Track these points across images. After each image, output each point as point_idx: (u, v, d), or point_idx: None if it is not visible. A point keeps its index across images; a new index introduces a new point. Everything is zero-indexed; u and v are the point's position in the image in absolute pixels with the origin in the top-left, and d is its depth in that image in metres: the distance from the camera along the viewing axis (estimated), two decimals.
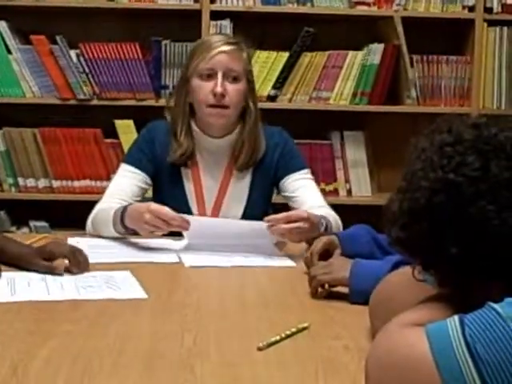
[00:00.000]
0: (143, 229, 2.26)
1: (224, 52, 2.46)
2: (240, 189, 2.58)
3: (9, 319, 1.64)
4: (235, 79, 2.48)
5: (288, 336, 1.54)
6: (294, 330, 1.56)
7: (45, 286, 1.89)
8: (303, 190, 2.56)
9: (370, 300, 1.57)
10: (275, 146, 2.59)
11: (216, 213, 2.55)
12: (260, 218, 2.50)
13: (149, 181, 2.55)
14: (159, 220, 2.20)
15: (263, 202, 2.63)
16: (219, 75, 2.45)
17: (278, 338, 1.52)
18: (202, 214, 2.54)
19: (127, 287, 1.90)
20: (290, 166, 2.59)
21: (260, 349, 1.47)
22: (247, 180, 2.59)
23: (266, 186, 2.63)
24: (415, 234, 1.21)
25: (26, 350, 1.45)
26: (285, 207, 2.53)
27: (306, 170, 2.61)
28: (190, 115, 2.54)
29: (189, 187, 2.56)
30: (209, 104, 2.46)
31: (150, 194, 2.65)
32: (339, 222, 2.50)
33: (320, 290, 1.87)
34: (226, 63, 2.47)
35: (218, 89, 2.43)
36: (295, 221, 2.23)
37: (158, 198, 2.53)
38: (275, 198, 2.72)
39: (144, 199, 2.55)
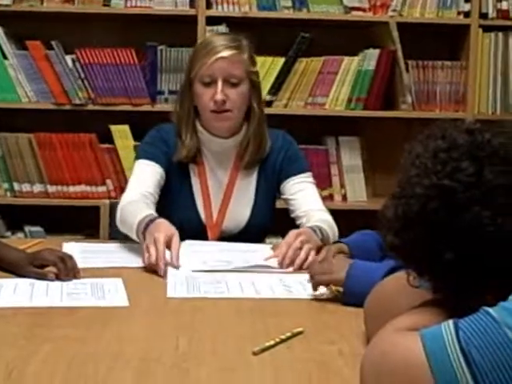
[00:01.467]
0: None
1: (223, 58, 2.45)
2: (246, 191, 2.58)
3: (3, 324, 1.64)
4: (236, 84, 2.48)
5: (283, 340, 1.54)
6: (288, 334, 1.56)
7: (30, 291, 1.87)
8: (302, 194, 2.56)
9: (366, 304, 1.57)
10: (279, 149, 2.60)
11: (223, 212, 2.54)
12: (266, 222, 2.58)
13: (164, 175, 2.52)
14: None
15: (269, 205, 2.63)
16: (219, 82, 2.44)
17: (272, 342, 1.51)
18: (208, 212, 2.53)
19: (113, 295, 1.87)
20: (292, 169, 2.60)
21: (255, 353, 1.47)
22: (253, 182, 2.60)
23: (271, 188, 2.62)
24: (410, 240, 1.21)
25: (21, 355, 1.44)
26: (283, 214, 2.54)
27: (307, 174, 2.62)
28: (194, 116, 2.55)
29: (196, 185, 2.56)
30: (211, 110, 2.47)
31: None
32: (335, 227, 2.49)
33: (326, 289, 1.87)
34: (226, 69, 2.46)
35: (218, 96, 2.44)
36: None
37: (166, 196, 2.52)
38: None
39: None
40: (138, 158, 2.57)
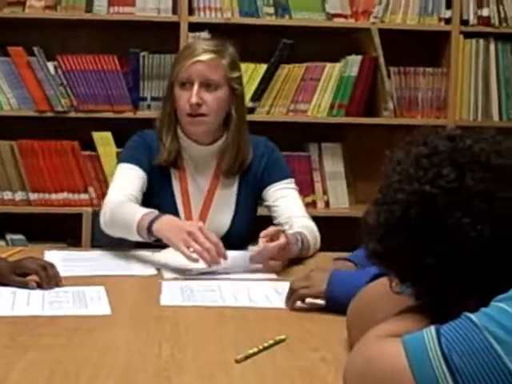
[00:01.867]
0: (179, 240, 2.14)
1: (201, 61, 2.44)
2: (227, 197, 2.57)
3: None
4: (214, 88, 2.46)
5: (265, 348, 1.54)
6: (271, 342, 1.56)
7: (12, 300, 1.86)
8: (284, 200, 2.55)
9: (348, 310, 1.57)
10: (261, 156, 2.59)
11: (203, 218, 2.51)
12: (246, 230, 2.55)
13: (146, 179, 2.50)
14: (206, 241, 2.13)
15: (250, 214, 2.62)
16: (195, 85, 2.43)
17: (255, 350, 1.51)
18: (189, 217, 2.51)
19: (95, 304, 1.87)
20: (274, 175, 2.59)
21: (237, 361, 1.46)
22: (234, 190, 2.59)
23: (252, 196, 2.61)
24: (392, 246, 1.21)
25: (3, 364, 1.43)
26: (265, 221, 2.54)
27: (289, 180, 2.60)
28: (176, 120, 2.53)
29: (177, 189, 2.55)
30: (186, 113, 2.46)
31: None
32: (317, 234, 2.50)
33: (300, 303, 1.87)
34: (203, 72, 2.44)
35: (193, 99, 2.42)
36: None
37: (148, 200, 2.49)
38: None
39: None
40: (120, 161, 2.55)
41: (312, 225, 2.51)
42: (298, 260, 2.38)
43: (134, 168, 2.49)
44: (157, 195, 2.52)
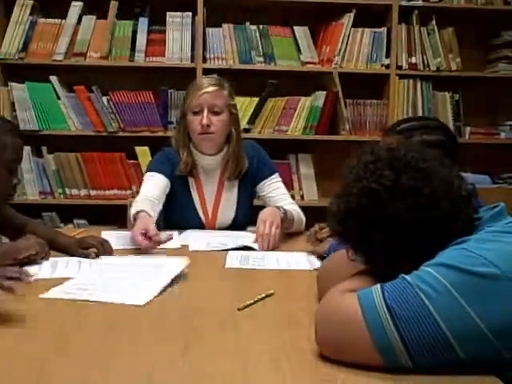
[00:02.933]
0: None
1: (208, 92, 2.39)
2: (230, 197, 2.52)
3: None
4: (218, 112, 2.40)
5: (259, 299, 1.53)
6: (263, 295, 1.56)
7: (78, 266, 1.84)
8: (275, 192, 2.51)
9: (318, 273, 1.57)
10: (251, 157, 2.53)
11: (215, 214, 2.49)
12: (246, 218, 2.51)
13: (169, 183, 2.41)
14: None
15: (248, 206, 2.57)
16: (205, 111, 2.38)
17: (252, 301, 1.51)
18: (206, 214, 2.48)
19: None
20: (264, 172, 2.52)
21: (239, 309, 1.46)
22: (235, 190, 2.53)
23: (249, 192, 2.57)
24: (348, 227, 1.21)
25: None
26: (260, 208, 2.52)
27: (276, 174, 2.55)
28: (188, 140, 2.48)
29: (194, 194, 2.50)
30: (198, 132, 2.40)
31: None
32: (302, 215, 2.47)
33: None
34: (210, 100, 2.38)
35: (204, 121, 2.37)
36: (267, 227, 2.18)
37: (174, 202, 2.45)
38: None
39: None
40: (146, 170, 2.49)
41: (297, 208, 2.47)
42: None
43: (157, 175, 2.40)
44: (180, 200, 2.48)
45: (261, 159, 2.55)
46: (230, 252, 2.07)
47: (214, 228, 2.48)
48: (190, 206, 2.48)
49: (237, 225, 2.51)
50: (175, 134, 2.53)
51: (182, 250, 2.10)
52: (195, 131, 2.41)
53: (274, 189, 2.52)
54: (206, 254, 2.08)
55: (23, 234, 1.95)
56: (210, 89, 2.40)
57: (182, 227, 2.41)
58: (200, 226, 2.48)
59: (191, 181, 2.50)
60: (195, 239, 2.24)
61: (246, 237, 2.29)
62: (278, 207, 2.33)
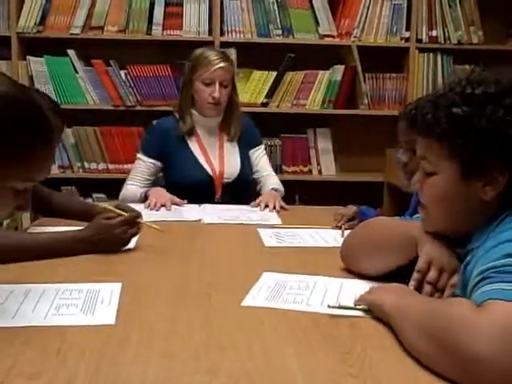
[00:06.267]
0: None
1: (221, 67, 2.57)
2: (233, 152, 2.69)
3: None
4: (226, 86, 2.61)
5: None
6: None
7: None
8: (262, 162, 2.75)
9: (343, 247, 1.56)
10: (246, 124, 2.75)
11: (222, 163, 2.64)
12: (249, 173, 2.73)
13: (158, 163, 2.64)
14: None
15: (248, 163, 2.74)
16: (217, 84, 2.57)
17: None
18: (210, 163, 2.63)
19: (102, 310, 1.24)
20: (254, 141, 2.77)
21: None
22: (236, 147, 2.71)
23: (246, 153, 2.74)
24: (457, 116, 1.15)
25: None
26: None
27: (262, 146, 2.80)
28: (191, 104, 2.65)
29: (195, 148, 2.65)
30: (208, 102, 2.59)
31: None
32: (279, 182, 2.73)
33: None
34: (222, 75, 2.58)
35: (216, 94, 2.57)
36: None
37: (171, 166, 2.63)
38: None
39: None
40: (139, 150, 2.70)
41: (277, 179, 2.75)
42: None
43: (147, 160, 2.63)
44: (177, 156, 2.62)
45: (252, 129, 2.78)
46: (259, 230, 2.05)
47: (222, 179, 2.62)
48: (193, 161, 2.63)
49: (242, 177, 2.68)
50: (180, 101, 2.69)
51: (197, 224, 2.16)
52: (205, 100, 2.60)
53: (259, 157, 2.76)
54: (232, 230, 2.10)
55: (50, 206, 1.97)
56: (223, 64, 2.58)
57: (188, 184, 2.56)
58: (207, 177, 2.61)
59: (190, 139, 2.66)
60: (206, 214, 2.30)
61: (254, 211, 2.38)
62: (275, 189, 2.61)
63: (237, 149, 2.70)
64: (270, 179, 2.72)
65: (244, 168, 2.68)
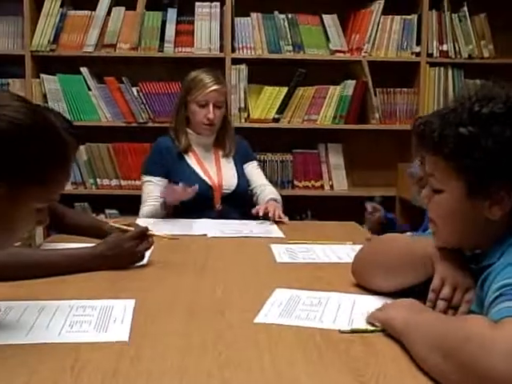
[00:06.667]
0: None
1: (215, 90, 2.70)
2: (229, 167, 2.79)
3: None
4: (220, 107, 2.74)
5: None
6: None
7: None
8: (256, 175, 2.86)
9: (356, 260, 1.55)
10: (240, 143, 2.87)
11: (220, 176, 2.74)
12: (245, 186, 2.81)
13: (165, 180, 2.70)
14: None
15: (244, 177, 2.82)
16: (211, 106, 2.70)
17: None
18: (209, 177, 2.72)
19: (115, 327, 1.23)
20: (248, 157, 2.89)
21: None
22: (232, 163, 2.81)
23: (242, 168, 2.84)
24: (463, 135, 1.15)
25: None
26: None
27: (256, 162, 2.92)
28: (186, 124, 2.78)
29: (193, 163, 2.75)
30: (203, 123, 2.72)
31: None
32: (276, 192, 2.82)
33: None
34: (216, 97, 2.71)
35: (210, 115, 2.70)
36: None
37: (173, 180, 2.65)
38: None
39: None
40: (144, 172, 2.78)
41: (273, 189, 2.84)
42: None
43: (153, 179, 2.71)
44: (177, 172, 2.69)
45: (245, 146, 2.91)
46: (272, 245, 2.05)
47: (221, 190, 2.71)
48: (193, 174, 2.72)
49: (241, 188, 2.77)
50: (175, 122, 2.80)
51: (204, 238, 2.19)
52: (200, 122, 2.73)
53: (254, 171, 2.86)
54: (241, 244, 2.11)
55: (63, 223, 1.99)
56: (217, 87, 2.72)
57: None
58: (207, 187, 2.69)
59: (188, 156, 2.77)
60: (209, 228, 2.37)
61: (256, 225, 2.44)
62: (274, 199, 2.67)
63: (232, 164, 2.81)
64: (266, 189, 2.81)
65: (241, 180, 2.78)
